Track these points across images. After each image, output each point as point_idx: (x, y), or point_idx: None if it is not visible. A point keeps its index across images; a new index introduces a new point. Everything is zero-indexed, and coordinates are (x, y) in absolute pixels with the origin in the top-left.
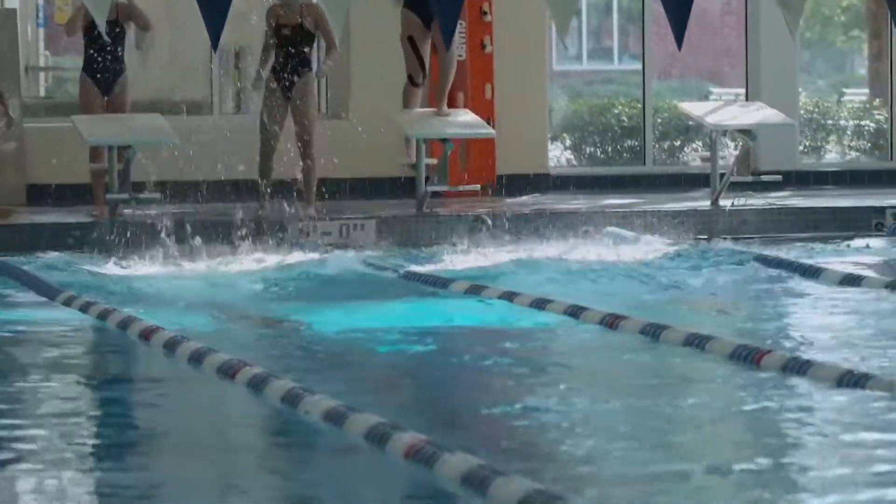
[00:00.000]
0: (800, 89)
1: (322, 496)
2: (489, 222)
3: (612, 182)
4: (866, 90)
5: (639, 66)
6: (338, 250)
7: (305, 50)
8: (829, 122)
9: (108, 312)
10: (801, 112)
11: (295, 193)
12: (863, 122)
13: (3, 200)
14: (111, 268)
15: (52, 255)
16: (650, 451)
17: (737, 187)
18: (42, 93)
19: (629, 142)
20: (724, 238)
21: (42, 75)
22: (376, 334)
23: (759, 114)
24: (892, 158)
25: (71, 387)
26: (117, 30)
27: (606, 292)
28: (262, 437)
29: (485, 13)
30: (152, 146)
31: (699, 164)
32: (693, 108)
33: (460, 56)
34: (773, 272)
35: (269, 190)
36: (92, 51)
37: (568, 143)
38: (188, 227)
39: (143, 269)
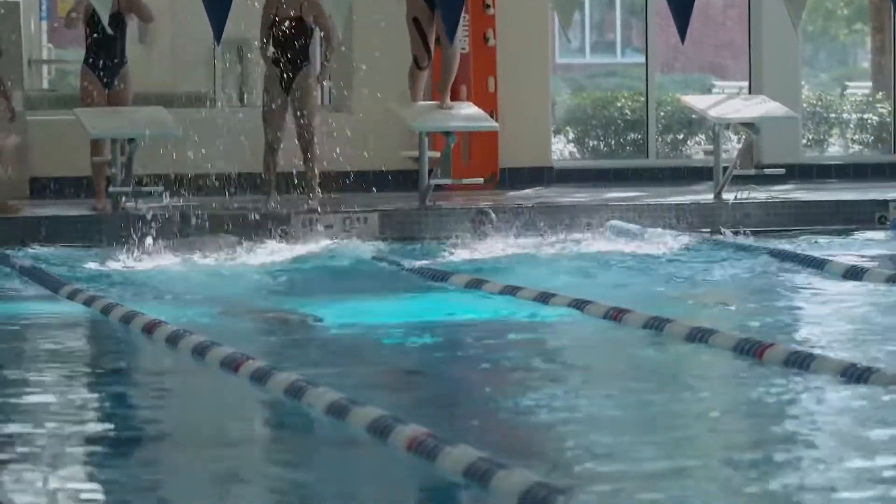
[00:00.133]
0: (803, 83)
1: (325, 489)
2: (492, 215)
3: (615, 175)
4: (869, 83)
5: (642, 60)
6: (341, 243)
7: (304, 43)
8: (832, 115)
9: (112, 306)
10: (804, 105)
11: (301, 186)
12: (866, 116)
13: (7, 194)
14: (114, 261)
15: (55, 249)
16: (653, 445)
17: (740, 181)
18: (45, 85)
19: (632, 135)
20: (727, 231)
21: (45, 68)
22: (378, 327)
23: (762, 107)
24: (894, 152)
25: (74, 380)
26: (119, 22)
27: (609, 286)
28: (265, 430)
29: (488, 6)
30: (155, 139)
31: (702, 157)
32: (696, 101)
33: (463, 49)
34: (777, 265)
35: (273, 183)
36: (93, 43)
37: (571, 136)
38: (191, 220)
39: (146, 262)
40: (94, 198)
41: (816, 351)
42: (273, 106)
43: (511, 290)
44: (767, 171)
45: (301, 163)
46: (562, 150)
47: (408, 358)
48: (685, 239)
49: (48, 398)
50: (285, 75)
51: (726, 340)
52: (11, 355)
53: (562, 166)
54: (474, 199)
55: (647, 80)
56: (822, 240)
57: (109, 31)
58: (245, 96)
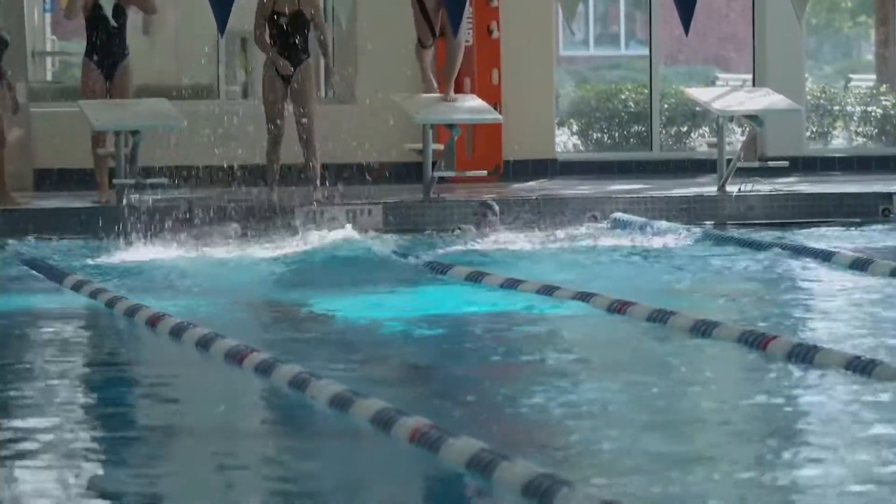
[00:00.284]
0: (806, 75)
1: (328, 480)
2: (495, 208)
3: (618, 168)
4: (873, 76)
5: (646, 52)
6: (344, 235)
7: (304, 37)
8: (836, 107)
9: (116, 299)
10: (808, 98)
11: (302, 177)
12: (870, 108)
13: (11, 185)
14: (118, 253)
15: (59, 241)
16: (655, 437)
17: (743, 173)
18: (49, 77)
19: (636, 127)
20: (731, 223)
21: (49, 60)
22: (382, 320)
23: (765, 99)
24: None
25: (78, 372)
26: (119, 14)
27: (613, 278)
28: (268, 422)
29: None
30: (159, 131)
31: (706, 149)
32: (700, 93)
33: (467, 41)
34: (781, 257)
35: (277, 175)
36: (95, 36)
37: (575, 128)
38: (195, 213)
39: (150, 254)
40: (97, 190)
41: (820, 343)
42: (273, 97)
43: (514, 283)
44: (771, 163)
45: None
46: (565, 142)
47: (411, 350)
48: (689, 231)
49: (51, 390)
50: (285, 71)
51: (730, 332)
52: (15, 347)
53: (565, 159)
54: (478, 191)
55: (650, 73)
56: (826, 232)
57: (113, 23)
58: (248, 88)
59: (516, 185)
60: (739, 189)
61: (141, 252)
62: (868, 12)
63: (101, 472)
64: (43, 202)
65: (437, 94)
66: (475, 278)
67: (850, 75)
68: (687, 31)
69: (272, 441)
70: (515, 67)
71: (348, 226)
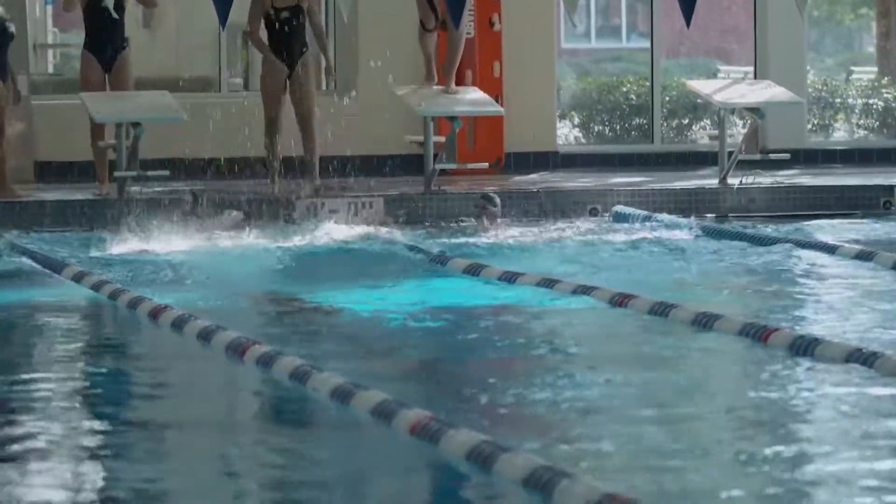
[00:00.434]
0: (808, 67)
1: (329, 472)
2: (496, 200)
3: (620, 160)
4: (874, 68)
5: (647, 44)
6: (346, 228)
7: (301, 29)
8: (838, 100)
9: (118, 291)
10: (810, 90)
11: (298, 169)
12: (871, 101)
13: (12, 178)
14: (119, 245)
15: (60, 233)
16: (657, 429)
17: (745, 165)
18: (50, 70)
19: (637, 120)
20: (732, 216)
21: (50, 52)
22: (382, 312)
23: (767, 92)
24: None
25: (79, 364)
26: (119, 6)
27: (614, 271)
28: (270, 414)
29: None
30: (160, 123)
31: (707, 142)
32: (701, 86)
33: (469, 34)
34: (783, 250)
35: (277, 167)
36: (93, 28)
37: (576, 121)
38: (197, 204)
39: (151, 246)
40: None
41: (822, 335)
42: (273, 89)
43: (514, 276)
44: (772, 156)
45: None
46: (567, 134)
47: (412, 342)
48: (690, 224)
49: (51, 382)
50: (286, 64)
51: (731, 325)
52: (16, 339)
53: (567, 151)
54: (479, 183)
55: (652, 65)
56: (828, 225)
57: (115, 15)
58: (250, 81)
59: (517, 178)
60: (741, 182)
61: (142, 244)
62: (869, 5)
63: (97, 463)
64: (44, 194)
65: (439, 87)
66: (474, 271)
67: (852, 68)
68: (688, 23)
69: (273, 433)
70: (517, 60)
71: (349, 218)
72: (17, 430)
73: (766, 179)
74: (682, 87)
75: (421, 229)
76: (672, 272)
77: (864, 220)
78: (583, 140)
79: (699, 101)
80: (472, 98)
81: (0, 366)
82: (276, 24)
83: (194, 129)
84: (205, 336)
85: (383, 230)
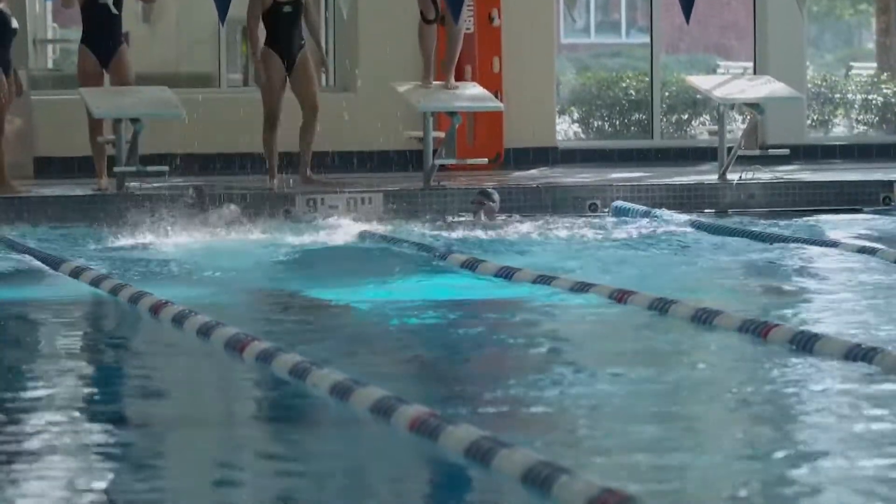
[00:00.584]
0: (807, 63)
1: (328, 468)
2: (495, 196)
3: (619, 156)
4: (874, 64)
5: (647, 40)
6: (345, 223)
7: (300, 24)
8: (837, 95)
9: (119, 286)
10: (809, 86)
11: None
12: (870, 96)
13: (11, 173)
14: (118, 241)
15: (59, 228)
16: (656, 425)
17: (744, 161)
18: (50, 65)
19: (637, 115)
20: (732, 212)
21: (49, 48)
22: (381, 308)
23: (766, 87)
24: None
25: (78, 360)
26: (119, 2)
27: (613, 266)
28: (269, 411)
29: None
30: (159, 119)
31: (707, 137)
32: (701, 81)
33: (468, 29)
34: (782, 246)
35: (276, 163)
36: (91, 23)
37: (575, 116)
38: (200, 200)
39: (151, 242)
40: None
41: (822, 331)
42: (273, 83)
43: (512, 272)
44: (772, 151)
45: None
46: (566, 130)
47: (411, 338)
48: (689, 219)
49: (51, 378)
50: (287, 58)
51: (731, 321)
52: (17, 336)
53: (566, 146)
54: (479, 179)
55: (651, 61)
56: (827, 220)
57: (115, 10)
58: (249, 76)
59: (517, 173)
60: (740, 177)
61: (140, 239)
62: (869, 0)
63: (96, 458)
64: (43, 190)
65: (438, 82)
66: (472, 266)
67: (851, 63)
68: (688, 19)
69: (273, 430)
70: (516, 55)
71: (348, 213)
72: (10, 423)
73: (765, 175)
74: (682, 83)
75: (420, 225)
76: (671, 268)
77: (864, 216)
78: (582, 135)
79: (699, 96)
80: (472, 93)
81: None
82: (278, 19)
83: (193, 125)
84: (204, 332)
85: (382, 226)
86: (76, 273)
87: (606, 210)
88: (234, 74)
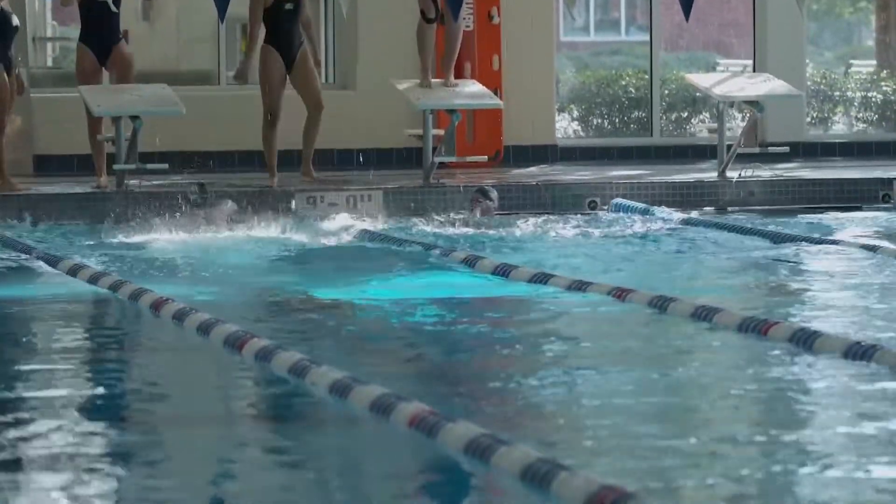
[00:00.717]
0: (807, 61)
1: (327, 466)
2: (493, 194)
3: (619, 153)
4: (874, 62)
5: (646, 38)
6: (344, 221)
7: (299, 21)
8: (837, 93)
9: (118, 283)
10: (809, 83)
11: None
12: (870, 94)
13: (11, 171)
14: (118, 238)
15: (59, 226)
16: (655, 422)
17: (744, 159)
18: (49, 63)
19: (636, 113)
20: (731, 209)
21: (49, 45)
22: (380, 305)
23: (766, 85)
24: None
25: (78, 357)
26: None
27: (613, 264)
28: (268, 409)
29: None
30: (159, 116)
31: (706, 135)
32: (700, 79)
33: (468, 27)
34: (781, 243)
35: (275, 160)
36: (89, 20)
37: (575, 114)
38: (203, 196)
39: (150, 239)
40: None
41: (822, 328)
42: (273, 80)
43: (511, 270)
44: (771, 149)
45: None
46: (566, 128)
47: (410, 336)
48: (689, 217)
49: (51, 374)
50: (288, 56)
51: (731, 319)
52: (15, 333)
53: (566, 144)
54: (478, 176)
55: (651, 58)
56: (827, 218)
57: (114, 8)
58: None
59: (516, 171)
60: (740, 175)
61: (139, 237)
62: None
63: (96, 455)
64: (43, 188)
65: (437, 80)
66: (471, 263)
67: (851, 61)
68: (687, 16)
69: (272, 428)
70: (516, 53)
71: (347, 211)
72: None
73: (764, 173)
74: (681, 81)
75: (420, 222)
76: (671, 265)
77: (863, 213)
78: (582, 133)
79: (698, 94)
80: (471, 91)
81: None
82: (279, 16)
83: (193, 122)
84: (204, 329)
85: (382, 223)
86: (75, 270)
87: (606, 208)
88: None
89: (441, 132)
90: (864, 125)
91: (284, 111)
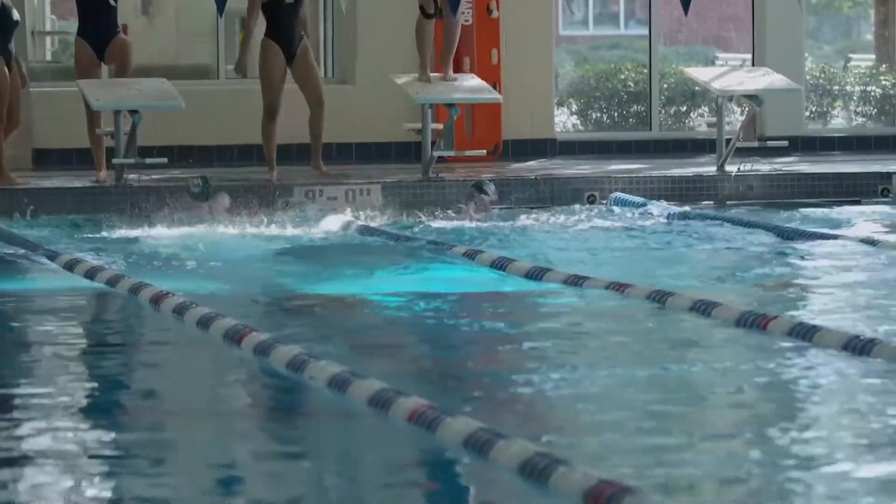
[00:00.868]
0: (806, 55)
1: (326, 461)
2: (492, 187)
3: (618, 147)
4: (872, 56)
5: (645, 32)
6: (343, 215)
7: (302, 15)
8: (836, 87)
9: (117, 278)
10: (808, 78)
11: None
12: (869, 88)
13: (10, 165)
14: (117, 232)
15: (57, 220)
16: (654, 417)
17: (743, 153)
18: (48, 57)
19: (635, 107)
20: (730, 203)
21: (48, 40)
22: (379, 300)
23: (765, 79)
24: None
25: (78, 350)
26: None
27: (612, 258)
28: (266, 403)
29: None
30: (158, 110)
31: (705, 129)
32: (699, 73)
33: (467, 21)
34: (779, 237)
35: (274, 155)
36: (86, 14)
37: (574, 108)
38: (206, 190)
39: (149, 233)
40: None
41: (821, 322)
42: (274, 73)
43: (510, 263)
44: (770, 143)
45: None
46: (565, 122)
47: (408, 331)
48: (688, 211)
49: (51, 368)
50: (289, 50)
51: (730, 313)
52: (13, 328)
53: (565, 138)
54: (477, 170)
55: (650, 53)
56: (825, 212)
57: (112, 2)
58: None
59: (515, 165)
60: (739, 169)
61: (138, 231)
62: None
63: (96, 448)
64: (42, 182)
65: (436, 74)
66: (470, 257)
67: (850, 55)
68: (686, 10)
69: (270, 422)
70: (515, 47)
71: (346, 205)
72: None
73: (763, 167)
74: (681, 75)
75: (418, 216)
76: (670, 259)
77: (862, 207)
78: (581, 127)
79: (697, 88)
80: (470, 85)
81: None
82: (279, 11)
83: (192, 117)
84: (203, 323)
85: (381, 217)
86: (73, 265)
87: (605, 202)
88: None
89: (440, 126)
90: (863, 119)
91: (284, 105)
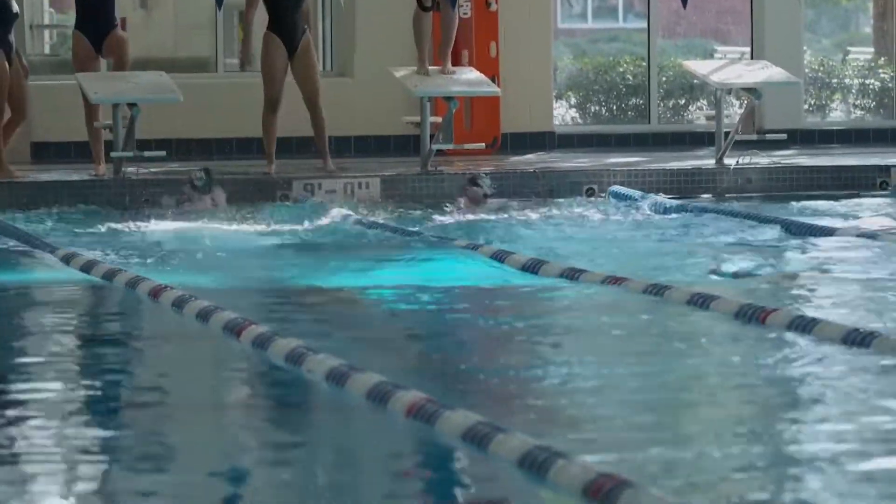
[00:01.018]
0: (805, 48)
1: (325, 454)
2: (487, 181)
3: (616, 141)
4: (871, 49)
5: (644, 25)
6: (341, 209)
7: (303, 8)
8: (834, 80)
9: (115, 271)
10: (806, 70)
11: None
12: (867, 81)
13: (8, 158)
14: (116, 226)
15: (56, 213)
16: (653, 410)
17: (741, 146)
18: (47, 50)
19: (634, 100)
20: (729, 196)
21: (46, 33)
22: (378, 293)
23: (763, 72)
24: None
25: (76, 344)
26: None
27: (610, 251)
28: (264, 396)
29: None
30: (156, 104)
31: (704, 122)
32: (698, 66)
33: (465, 14)
34: (778, 230)
35: (273, 148)
36: (84, 8)
37: (573, 101)
38: (209, 182)
39: (148, 227)
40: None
41: (820, 315)
42: (275, 66)
43: (509, 256)
44: (769, 136)
45: (301, 128)
46: (563, 115)
47: (408, 324)
48: (686, 204)
49: (49, 361)
50: (289, 43)
51: (728, 306)
52: (13, 322)
53: (563, 131)
54: (476, 164)
55: (648, 46)
56: (824, 205)
57: None
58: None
59: (514, 158)
60: (737, 162)
61: (137, 225)
62: None
63: (95, 442)
64: (40, 175)
65: (434, 67)
66: (473, 251)
67: (849, 48)
68: (685, 4)
69: (268, 414)
70: (513, 40)
71: (345, 198)
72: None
73: (762, 160)
74: (679, 68)
75: (417, 209)
76: (668, 252)
77: (861, 200)
78: (579, 120)
79: (696, 81)
80: (469, 78)
81: None
82: (281, 4)
83: (190, 110)
84: (203, 316)
85: (380, 210)
86: (71, 258)
87: (603, 195)
88: (232, 59)
89: (438, 119)
90: (862, 112)
91: (284, 98)
